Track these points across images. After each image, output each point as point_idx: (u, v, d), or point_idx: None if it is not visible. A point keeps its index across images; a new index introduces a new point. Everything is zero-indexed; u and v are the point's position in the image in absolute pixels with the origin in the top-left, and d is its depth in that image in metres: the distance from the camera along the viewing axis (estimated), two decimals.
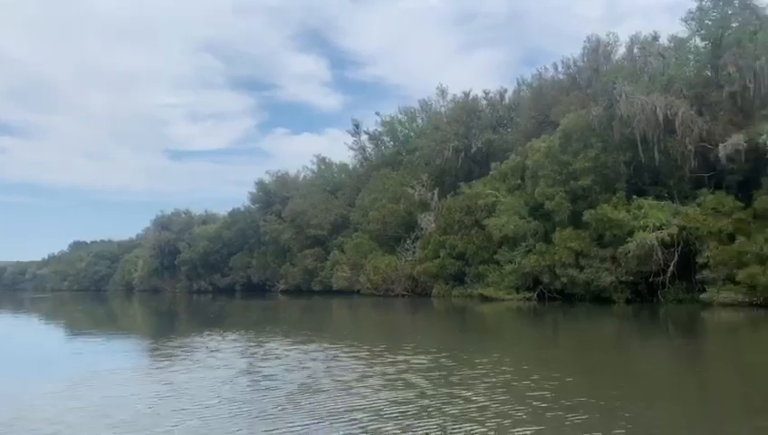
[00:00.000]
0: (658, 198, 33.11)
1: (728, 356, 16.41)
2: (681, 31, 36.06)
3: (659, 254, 29.93)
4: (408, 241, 50.94)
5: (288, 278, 66.88)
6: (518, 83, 59.50)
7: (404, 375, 12.48)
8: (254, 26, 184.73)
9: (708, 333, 22.63)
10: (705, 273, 29.41)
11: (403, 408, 9.53)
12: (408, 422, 8.61)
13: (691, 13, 34.07)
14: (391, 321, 31.57)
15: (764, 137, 28.78)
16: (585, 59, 46.63)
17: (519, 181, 41.90)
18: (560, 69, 49.30)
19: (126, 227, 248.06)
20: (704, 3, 33.24)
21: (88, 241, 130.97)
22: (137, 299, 72.28)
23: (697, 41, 34.21)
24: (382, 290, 48.82)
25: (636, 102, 31.58)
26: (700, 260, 29.72)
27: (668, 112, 31.44)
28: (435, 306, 40.24)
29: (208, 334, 22.75)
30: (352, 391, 11.02)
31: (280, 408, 9.83)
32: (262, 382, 12.30)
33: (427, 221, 50.57)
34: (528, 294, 37.41)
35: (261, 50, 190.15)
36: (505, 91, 57.76)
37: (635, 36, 42.88)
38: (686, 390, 11.41)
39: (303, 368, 13.87)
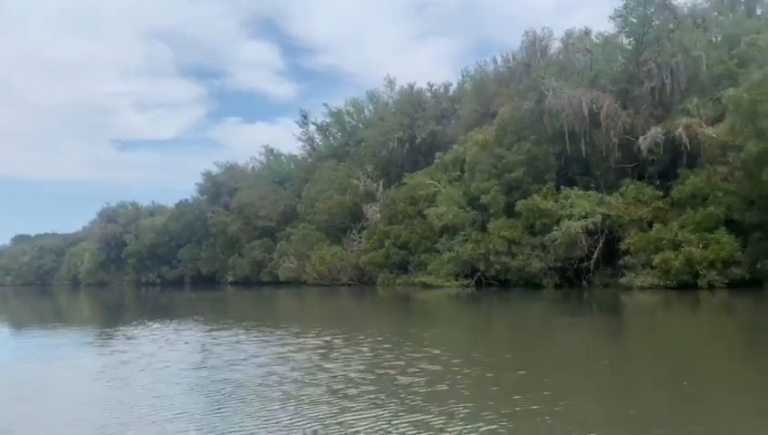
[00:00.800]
0: (586, 188, 34.76)
1: (637, 335, 17.81)
2: (610, 27, 37.82)
3: (584, 241, 31.56)
4: (354, 231, 51.72)
5: (236, 270, 66.87)
6: (462, 76, 61.10)
7: (290, 354, 13.95)
8: (206, 13, 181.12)
9: (622, 315, 24.20)
10: (627, 258, 31.15)
11: (262, 380, 11.08)
12: (259, 390, 10.23)
13: (617, 11, 35.73)
14: (325, 308, 32.71)
15: (679, 131, 30.57)
16: (523, 53, 48.08)
17: (459, 172, 43.10)
18: (500, 62, 50.65)
19: (72, 219, 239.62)
20: (628, 1, 34.85)
21: (32, 234, 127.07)
22: (82, 293, 70.92)
23: (623, 38, 35.86)
24: (328, 280, 49.55)
25: (563, 97, 33.02)
26: (622, 247, 31.46)
27: (594, 106, 33.01)
28: (377, 294, 41.18)
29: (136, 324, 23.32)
30: (233, 367, 12.43)
31: (159, 383, 11.18)
32: (155, 364, 13.32)
33: (373, 212, 51.42)
34: (466, 281, 38.73)
35: (212, 37, 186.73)
36: (450, 84, 59.16)
37: (570, 31, 44.56)
38: (597, 362, 12.61)
39: (203, 350, 15.29)
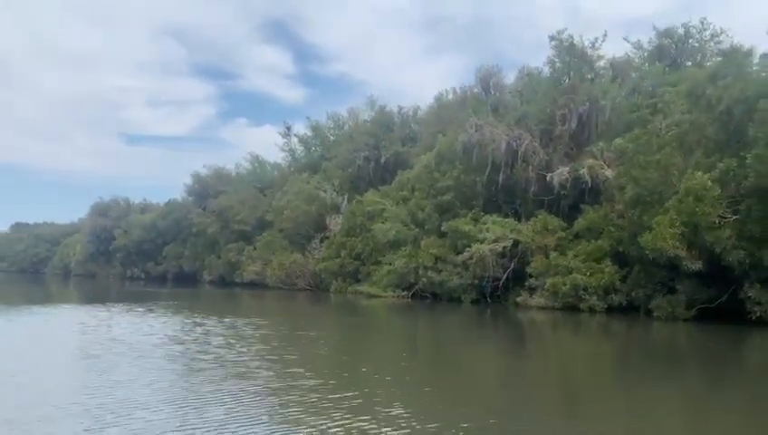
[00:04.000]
0: (508, 215, 38.73)
1: (515, 346, 21.66)
2: (544, 71, 41.96)
3: (495, 262, 35.47)
4: (317, 241, 55.77)
5: (212, 270, 70.94)
6: (434, 100, 65.19)
7: (201, 336, 18.62)
8: (221, 15, 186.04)
9: (509, 328, 28.42)
10: (532, 280, 35.06)
11: (162, 350, 15.55)
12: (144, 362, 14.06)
13: (549, 58, 39.90)
14: (270, 305, 37.28)
15: (584, 170, 34.54)
16: (478, 85, 52.18)
17: (408, 192, 47.16)
18: (458, 91, 54.74)
19: (73, 209, 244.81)
20: (556, 51, 38.97)
21: (30, 223, 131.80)
22: (70, 283, 75.61)
23: (548, 82, 39.96)
24: (288, 284, 53.62)
25: (486, 133, 37.04)
26: (529, 270, 35.36)
27: (515, 143, 36.98)
28: (326, 299, 45.35)
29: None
30: (139, 346, 16.52)
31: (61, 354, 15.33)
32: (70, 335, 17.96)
33: (335, 223, 55.44)
34: (402, 293, 42.66)
35: (226, 39, 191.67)
36: (419, 107, 63.31)
37: (523, 68, 48.70)
38: (472, 364, 16.65)
39: (133, 325, 20.74)
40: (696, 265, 24.91)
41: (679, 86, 37.77)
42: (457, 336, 23.32)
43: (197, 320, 23.45)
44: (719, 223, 24.31)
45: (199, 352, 15.49)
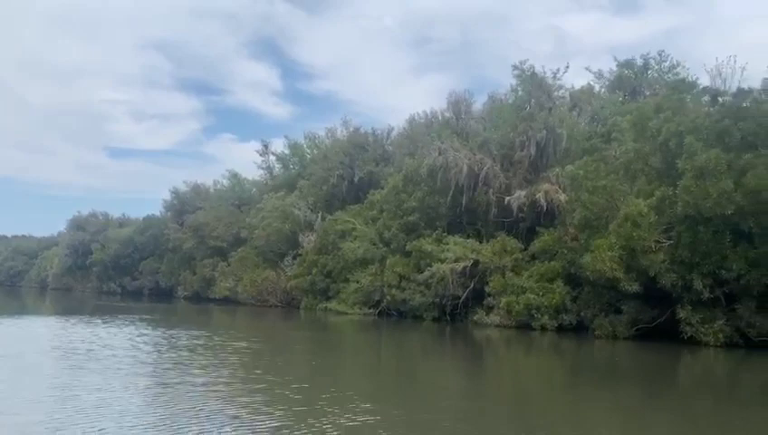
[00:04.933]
0: (470, 236, 40.13)
1: (468, 362, 23.19)
2: (510, 98, 43.74)
3: (454, 282, 36.79)
4: (290, 258, 56.78)
5: (187, 286, 71.57)
6: (409, 123, 66.83)
7: (133, 340, 20.34)
8: (209, 30, 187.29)
9: (465, 346, 29.87)
10: (490, 299, 36.40)
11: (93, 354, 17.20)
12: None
13: (512, 86, 41.71)
14: (229, 319, 39.32)
15: (540, 195, 36.11)
16: (449, 110, 53.87)
17: (375, 212, 48.49)
18: (429, 116, 56.38)
19: (55, 222, 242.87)
20: (519, 80, 40.76)
21: (9, 235, 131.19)
22: (46, 297, 76.03)
23: (511, 109, 41.72)
24: (260, 301, 54.52)
25: (451, 157, 38.57)
26: (487, 289, 36.71)
27: (476, 167, 38.53)
28: (294, 316, 46.44)
29: None
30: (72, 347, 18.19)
31: None
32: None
33: (309, 241, 56.53)
34: (369, 310, 43.78)
35: (213, 54, 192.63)
36: (392, 128, 64.92)
37: (492, 94, 50.52)
38: (422, 375, 18.12)
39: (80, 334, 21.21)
40: (634, 287, 26.37)
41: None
42: (411, 353, 24.64)
43: (144, 331, 25.25)
44: (654, 247, 25.84)
45: (115, 355, 17.06)
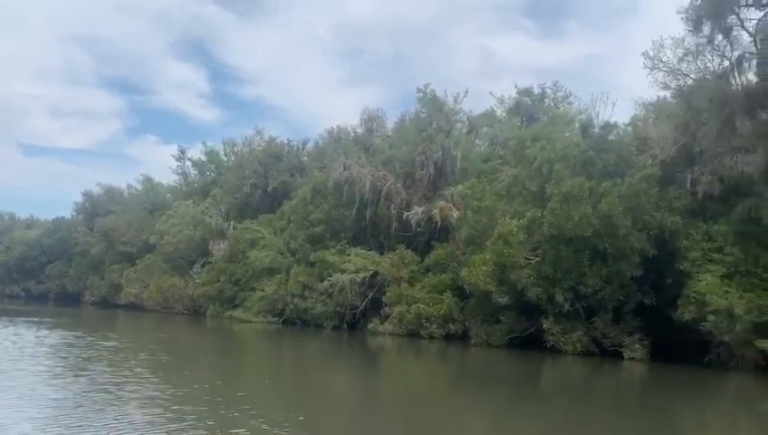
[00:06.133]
0: (372, 248, 42.03)
1: (359, 368, 24.70)
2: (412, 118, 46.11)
3: (354, 292, 38.52)
4: (199, 265, 56.87)
5: (94, 290, 69.98)
6: (321, 135, 68.41)
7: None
8: (135, 27, 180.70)
9: (359, 353, 31.78)
10: (386, 309, 38.33)
11: None
12: None
13: (416, 107, 44.09)
14: (126, 324, 39.83)
15: (436, 211, 38.49)
16: (362, 126, 55.85)
17: (284, 222, 49.65)
18: (340, 131, 58.11)
19: None
20: (421, 103, 43.16)
21: None
22: None
23: (414, 130, 44.13)
24: (165, 308, 54.33)
25: (355, 172, 40.41)
26: (384, 299, 38.64)
27: (379, 184, 40.52)
28: (200, 323, 46.81)
29: None
30: None
31: None
32: None
33: (218, 249, 56.83)
34: (273, 319, 44.76)
35: (138, 52, 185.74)
36: (308, 140, 66.41)
37: (404, 112, 52.89)
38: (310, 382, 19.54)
39: None
40: (504, 299, 28.98)
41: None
42: (305, 360, 26.10)
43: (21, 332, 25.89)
44: (523, 264, 28.50)
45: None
